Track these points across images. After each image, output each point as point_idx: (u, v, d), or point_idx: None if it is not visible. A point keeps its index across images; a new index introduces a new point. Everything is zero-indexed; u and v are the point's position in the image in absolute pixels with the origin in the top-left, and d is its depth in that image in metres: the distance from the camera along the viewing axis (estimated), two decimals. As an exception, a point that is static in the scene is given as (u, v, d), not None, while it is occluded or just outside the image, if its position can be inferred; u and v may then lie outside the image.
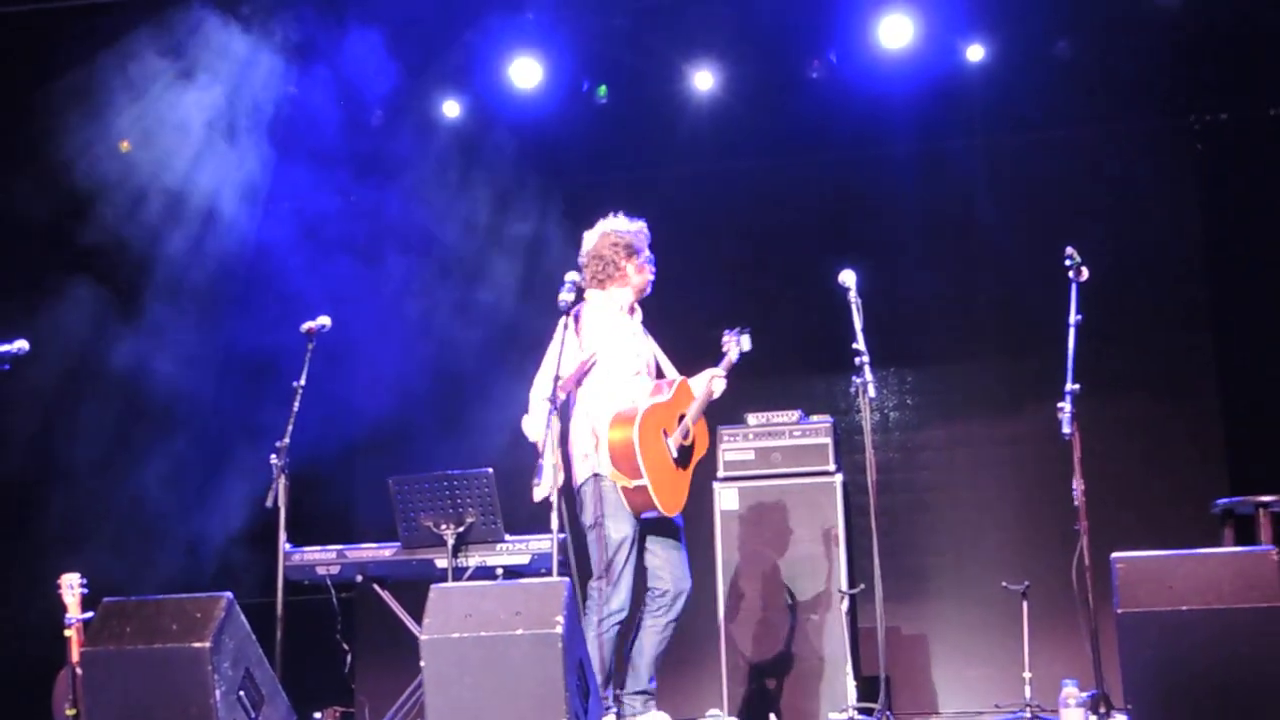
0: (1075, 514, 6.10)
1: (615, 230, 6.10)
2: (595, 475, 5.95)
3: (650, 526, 6.05)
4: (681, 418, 6.09)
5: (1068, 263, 6.16)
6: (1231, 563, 4.78)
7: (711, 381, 6.17)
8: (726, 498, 7.59)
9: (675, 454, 6.00)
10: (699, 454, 6.19)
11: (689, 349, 8.19)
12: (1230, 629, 4.63)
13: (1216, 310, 8.60)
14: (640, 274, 6.15)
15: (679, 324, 8.56)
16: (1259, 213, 8.42)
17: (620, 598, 5.90)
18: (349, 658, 7.04)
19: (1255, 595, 4.65)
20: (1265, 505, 5.73)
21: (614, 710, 5.96)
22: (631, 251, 6.09)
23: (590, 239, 6.17)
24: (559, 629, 4.84)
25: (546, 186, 9.15)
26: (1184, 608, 4.68)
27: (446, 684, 4.92)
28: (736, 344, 6.22)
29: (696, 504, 7.81)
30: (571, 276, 5.93)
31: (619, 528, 5.93)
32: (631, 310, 6.24)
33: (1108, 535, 6.52)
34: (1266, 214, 8.39)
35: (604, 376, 6.08)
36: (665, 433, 5.99)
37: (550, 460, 5.52)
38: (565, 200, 8.99)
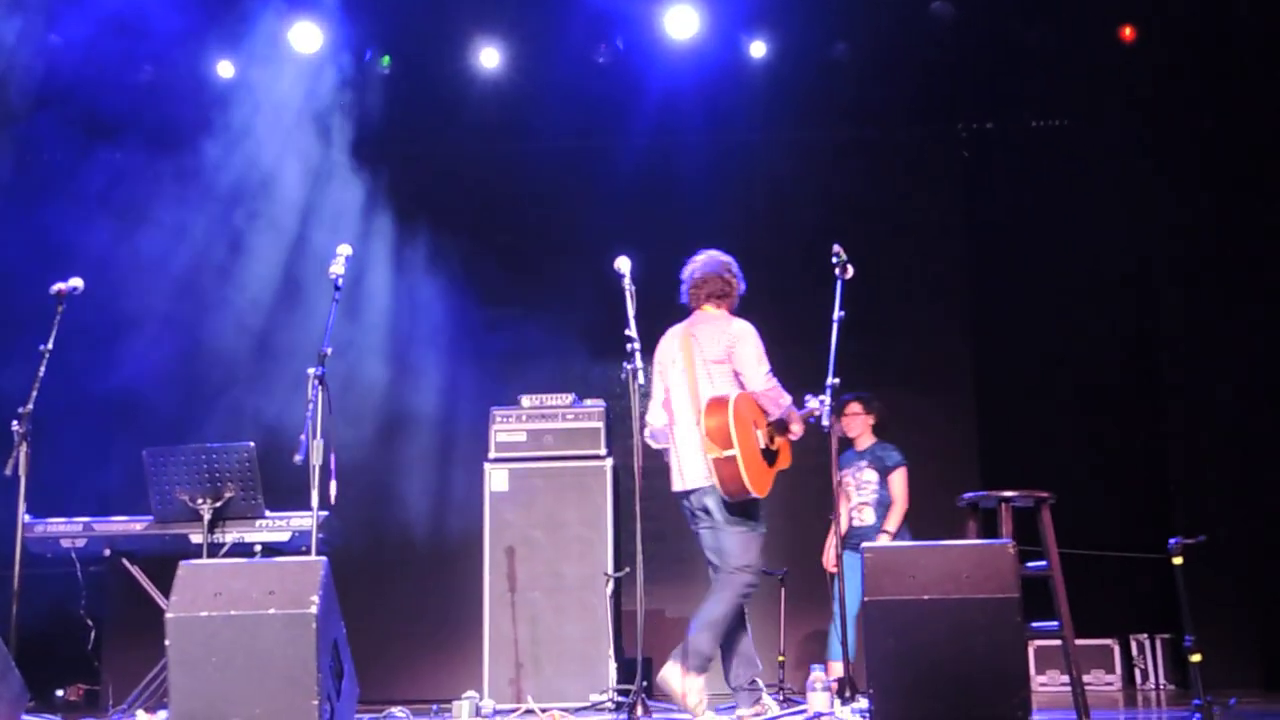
0: (833, 503, 6.28)
1: (724, 255, 6.25)
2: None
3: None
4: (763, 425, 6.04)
5: (834, 260, 6.31)
6: (972, 554, 4.93)
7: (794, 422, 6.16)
8: (497, 479, 7.55)
9: (763, 445, 5.93)
10: (781, 465, 6.12)
11: (458, 327, 8.16)
12: (968, 617, 4.79)
13: (976, 311, 8.98)
14: (740, 291, 6.27)
15: (455, 301, 8.55)
16: (1020, 218, 8.81)
17: None
18: (93, 634, 6.78)
19: (992, 586, 4.82)
20: (1008, 500, 5.95)
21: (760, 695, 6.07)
22: (735, 272, 6.25)
23: (701, 262, 6.22)
24: (314, 609, 4.73)
25: (321, 156, 8.97)
26: (925, 597, 4.83)
27: (192, 663, 4.75)
28: (821, 408, 6.12)
29: (466, 484, 7.80)
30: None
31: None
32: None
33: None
34: (1026, 220, 8.78)
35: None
36: (755, 424, 5.93)
37: None
38: (338, 170, 8.81)
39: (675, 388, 6.06)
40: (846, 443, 7.60)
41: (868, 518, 7.46)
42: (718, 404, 5.81)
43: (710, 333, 6.03)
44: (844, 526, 7.39)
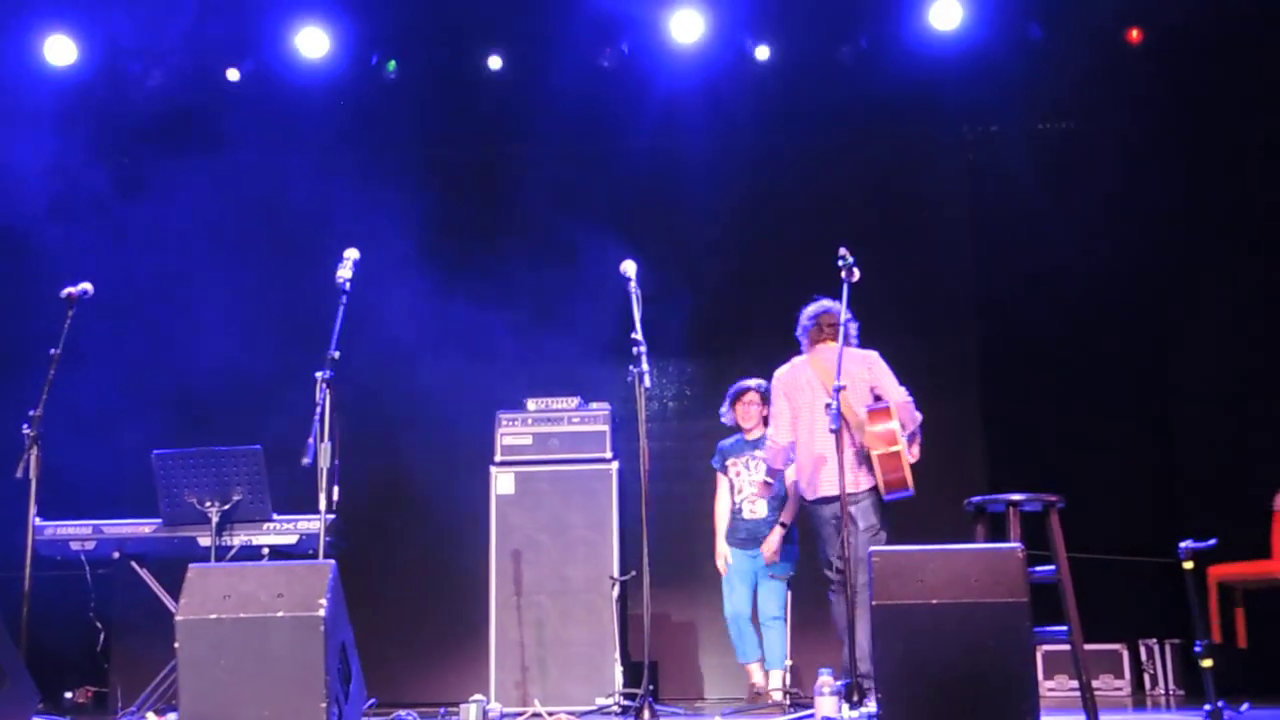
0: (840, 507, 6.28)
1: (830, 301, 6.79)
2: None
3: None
4: None
5: (840, 263, 6.32)
6: (980, 558, 4.94)
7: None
8: (503, 482, 7.56)
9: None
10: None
11: (463, 330, 8.16)
12: (976, 622, 4.79)
13: (981, 315, 8.97)
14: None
15: (460, 304, 8.55)
16: (1026, 221, 8.81)
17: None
18: (102, 636, 6.80)
19: (1000, 590, 4.82)
20: (1015, 503, 5.95)
21: None
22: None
23: (816, 307, 6.82)
24: (322, 612, 4.75)
25: (328, 158, 9.01)
26: (934, 601, 4.83)
27: (202, 666, 4.78)
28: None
29: (471, 488, 7.80)
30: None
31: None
32: None
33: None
34: (1032, 222, 8.78)
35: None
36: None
37: None
38: (346, 172, 8.85)
39: (812, 407, 6.56)
40: (729, 431, 7.58)
41: (760, 510, 7.38)
42: (882, 411, 6.39)
43: (848, 361, 6.44)
44: (728, 519, 7.48)
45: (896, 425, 6.33)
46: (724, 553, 7.52)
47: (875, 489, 6.41)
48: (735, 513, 7.53)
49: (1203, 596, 6.57)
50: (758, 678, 7.46)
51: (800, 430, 6.63)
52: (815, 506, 6.56)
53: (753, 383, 7.51)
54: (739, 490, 7.51)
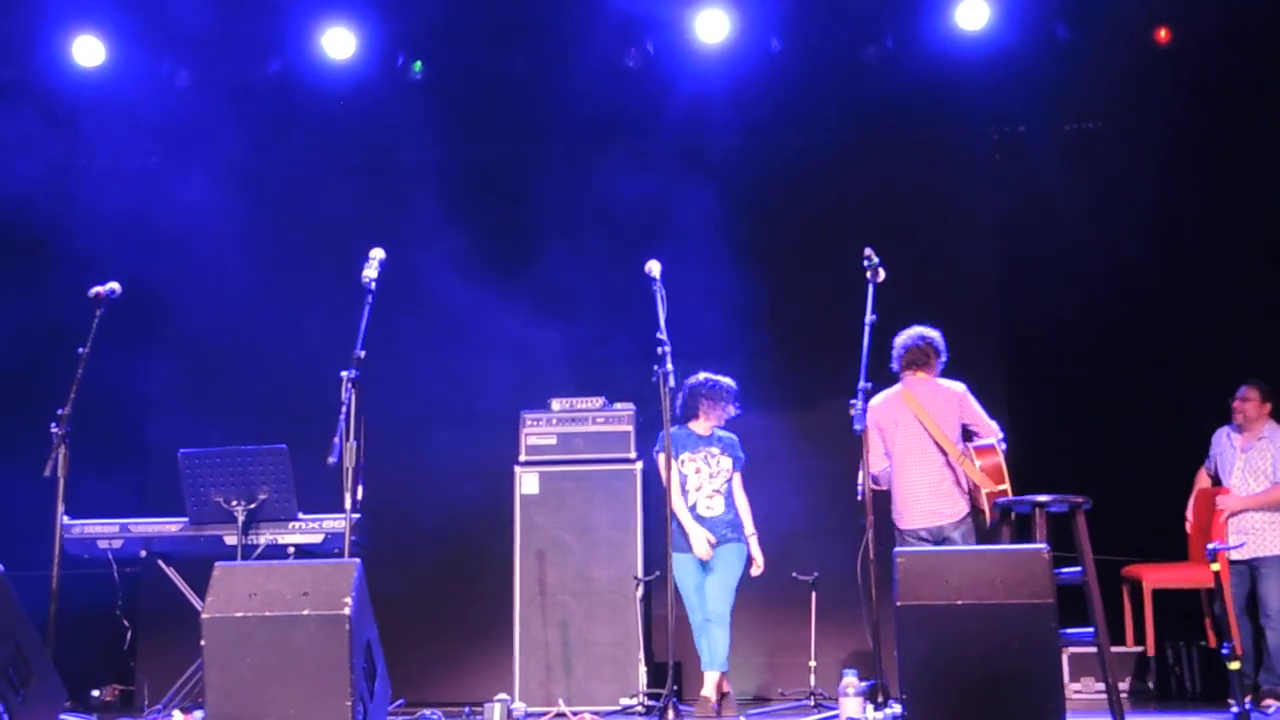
0: (863, 508, 6.27)
1: (927, 330, 7.03)
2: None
3: None
4: None
5: (865, 264, 6.31)
6: (1006, 560, 4.93)
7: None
8: (527, 482, 7.60)
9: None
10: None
11: (488, 330, 8.16)
12: (1002, 623, 4.78)
13: (1008, 315, 8.93)
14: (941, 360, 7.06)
15: (485, 304, 8.57)
16: (1052, 221, 8.77)
17: None
18: (129, 634, 6.84)
19: (1025, 591, 4.81)
20: (1042, 505, 5.93)
21: None
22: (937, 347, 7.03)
23: (907, 336, 6.99)
24: (347, 610, 4.76)
25: (356, 160, 9.04)
26: (959, 602, 4.82)
27: (227, 664, 4.80)
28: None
29: (497, 488, 7.82)
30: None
31: None
32: None
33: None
34: (1059, 223, 8.74)
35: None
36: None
37: None
38: (375, 174, 8.87)
39: (906, 439, 6.79)
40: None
41: (717, 507, 7.00)
42: (988, 449, 6.69)
43: (930, 392, 6.83)
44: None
45: (1001, 460, 6.63)
46: (705, 533, 6.93)
47: (971, 515, 6.71)
48: (688, 509, 7.02)
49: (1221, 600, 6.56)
50: (710, 690, 6.87)
51: (894, 463, 6.83)
52: (905, 535, 6.74)
53: (726, 383, 7.17)
54: (697, 487, 7.05)
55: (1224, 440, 7.68)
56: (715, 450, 7.12)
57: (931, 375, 6.90)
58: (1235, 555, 7.22)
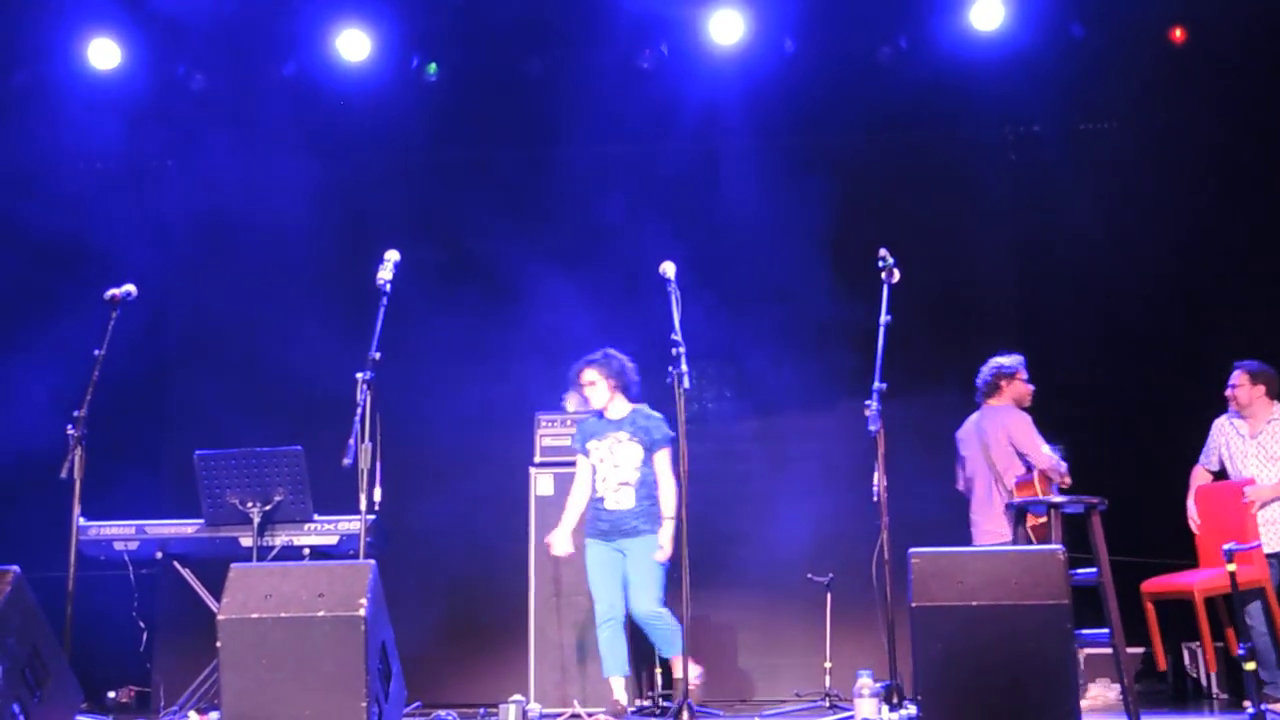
0: (878, 509, 6.26)
1: (1006, 359, 7.44)
2: None
3: None
4: None
5: (880, 264, 6.30)
6: (1021, 560, 4.92)
7: None
8: (542, 483, 7.62)
9: None
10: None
11: (502, 331, 8.15)
12: (1017, 624, 4.78)
13: (1023, 314, 8.92)
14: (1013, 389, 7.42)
15: (498, 305, 8.58)
16: (1067, 221, 8.75)
17: None
18: (145, 636, 6.86)
19: (1041, 592, 4.81)
20: (1057, 506, 5.93)
21: None
22: (1005, 373, 7.43)
23: (987, 368, 7.44)
24: (362, 611, 4.77)
25: (370, 161, 9.06)
26: (974, 602, 4.82)
27: (243, 665, 4.82)
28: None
29: (512, 489, 7.82)
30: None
31: None
32: None
33: (909, 531, 6.73)
34: (1073, 223, 8.72)
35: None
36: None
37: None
38: (392, 175, 8.87)
39: (974, 465, 7.27)
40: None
41: (625, 500, 6.64)
42: (1028, 484, 7.01)
43: (992, 421, 7.22)
44: (583, 508, 6.77)
45: (1036, 488, 6.95)
46: (563, 541, 6.75)
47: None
48: (597, 501, 6.72)
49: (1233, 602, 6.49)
50: (621, 694, 6.69)
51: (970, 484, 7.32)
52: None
53: (594, 358, 6.85)
54: (603, 478, 6.71)
55: (1227, 429, 7.45)
56: (624, 435, 6.72)
57: (999, 403, 7.32)
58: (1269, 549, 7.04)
